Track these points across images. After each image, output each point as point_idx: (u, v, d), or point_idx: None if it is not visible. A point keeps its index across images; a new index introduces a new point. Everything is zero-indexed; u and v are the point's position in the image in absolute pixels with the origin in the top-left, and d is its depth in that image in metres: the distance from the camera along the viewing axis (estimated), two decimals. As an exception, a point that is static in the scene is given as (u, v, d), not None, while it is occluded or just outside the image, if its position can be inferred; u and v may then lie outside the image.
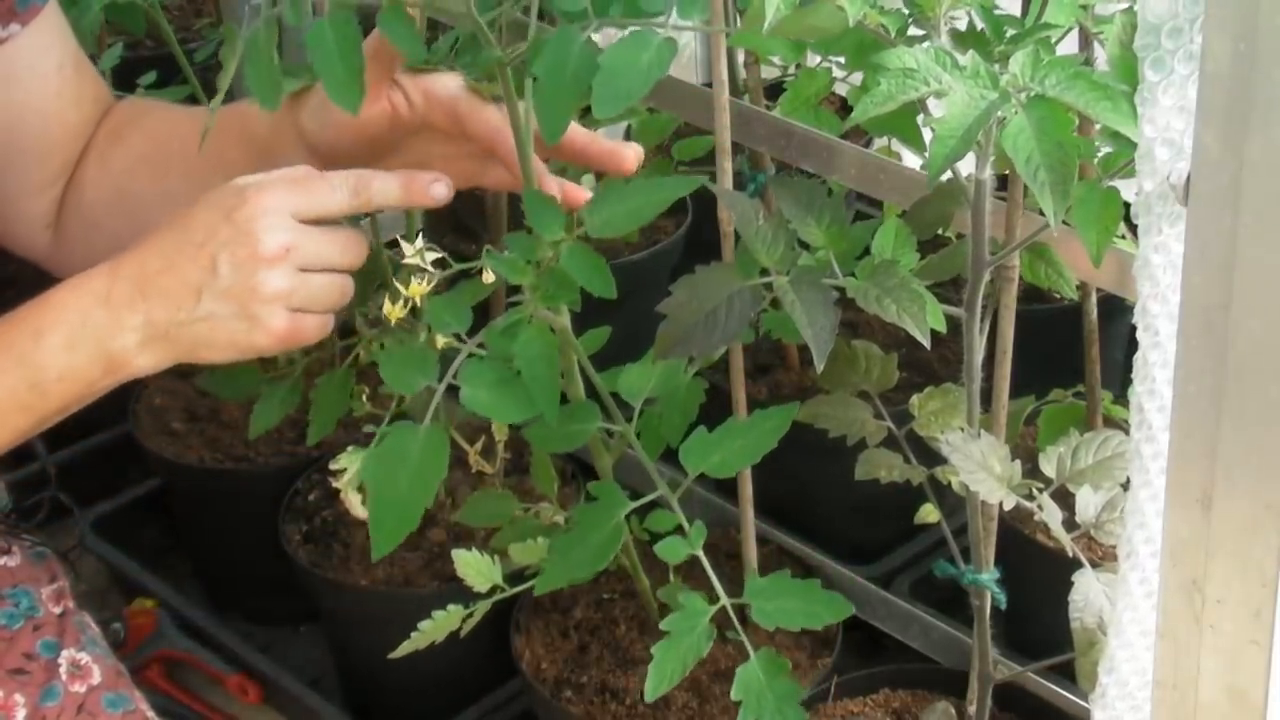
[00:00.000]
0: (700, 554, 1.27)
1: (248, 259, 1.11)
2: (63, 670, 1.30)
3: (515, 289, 1.18)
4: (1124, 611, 1.01)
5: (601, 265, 1.15)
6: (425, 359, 1.13)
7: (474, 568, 1.42)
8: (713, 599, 1.24)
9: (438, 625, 1.38)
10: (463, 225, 2.07)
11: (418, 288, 1.27)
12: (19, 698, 1.27)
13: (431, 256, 1.27)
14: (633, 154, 1.20)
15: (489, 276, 1.23)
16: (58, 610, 1.33)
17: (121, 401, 1.93)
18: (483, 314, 1.23)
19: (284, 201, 1.13)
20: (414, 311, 1.29)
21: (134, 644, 1.85)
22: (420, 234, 1.60)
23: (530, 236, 1.15)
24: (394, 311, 1.32)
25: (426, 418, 1.12)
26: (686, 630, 1.23)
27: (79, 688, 1.30)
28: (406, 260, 1.26)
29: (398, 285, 1.25)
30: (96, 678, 1.32)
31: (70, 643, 1.32)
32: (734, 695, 1.22)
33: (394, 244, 1.60)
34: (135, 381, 1.91)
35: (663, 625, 1.24)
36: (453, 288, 1.24)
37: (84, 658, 1.32)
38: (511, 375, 1.14)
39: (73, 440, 2.01)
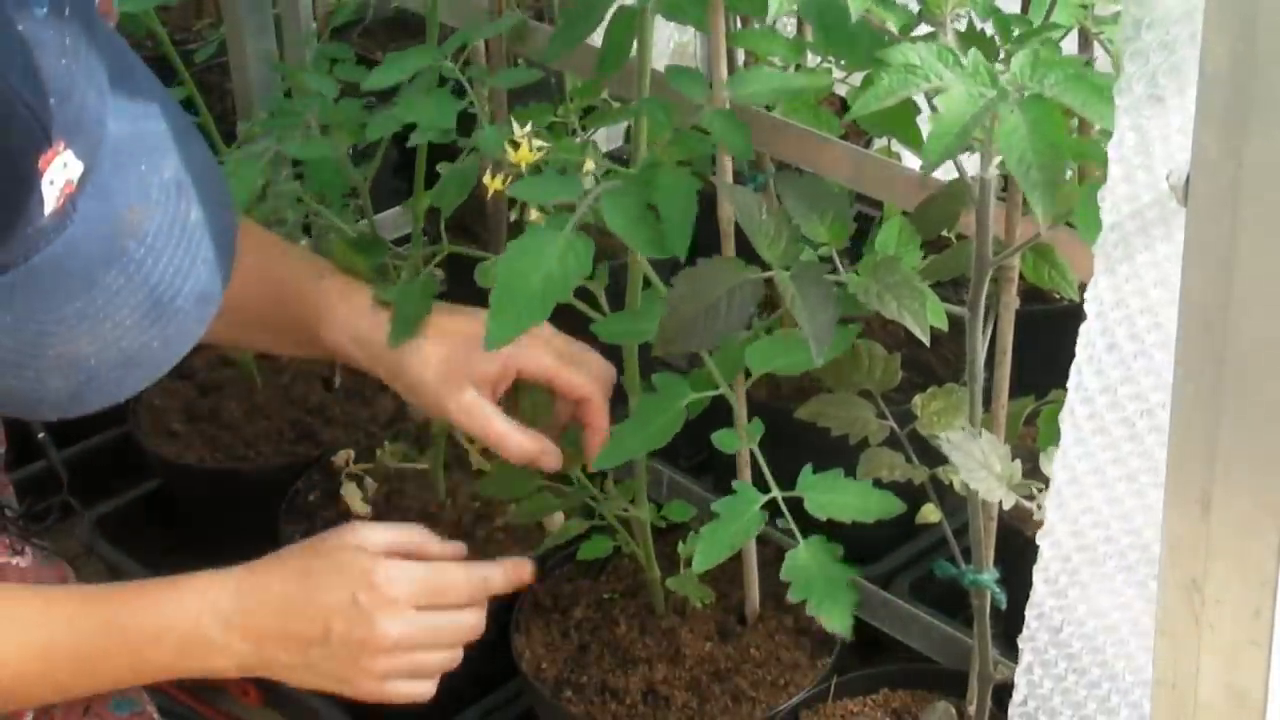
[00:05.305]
0: (755, 449, 1.32)
1: (360, 642, 1.25)
2: None
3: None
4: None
5: (745, 131, 1.25)
6: (568, 181, 1.21)
7: None
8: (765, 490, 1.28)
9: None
10: (463, 226, 2.07)
11: (529, 154, 1.27)
12: (26, 701, 1.27)
13: (538, 143, 1.28)
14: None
15: (590, 165, 1.24)
16: (66, 612, 1.33)
17: (121, 402, 1.93)
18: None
19: (411, 597, 1.27)
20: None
21: (134, 644, 1.85)
22: (425, 233, 1.60)
23: (669, 104, 1.25)
24: (494, 183, 1.31)
25: (569, 226, 1.17)
26: (736, 514, 1.27)
27: None
28: (515, 137, 1.28)
29: (508, 149, 1.27)
30: (103, 681, 1.32)
31: (77, 645, 1.32)
32: (784, 575, 1.27)
33: (400, 241, 1.60)
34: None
35: (714, 507, 1.28)
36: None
37: None
38: (649, 213, 1.19)
39: (73, 441, 2.01)
